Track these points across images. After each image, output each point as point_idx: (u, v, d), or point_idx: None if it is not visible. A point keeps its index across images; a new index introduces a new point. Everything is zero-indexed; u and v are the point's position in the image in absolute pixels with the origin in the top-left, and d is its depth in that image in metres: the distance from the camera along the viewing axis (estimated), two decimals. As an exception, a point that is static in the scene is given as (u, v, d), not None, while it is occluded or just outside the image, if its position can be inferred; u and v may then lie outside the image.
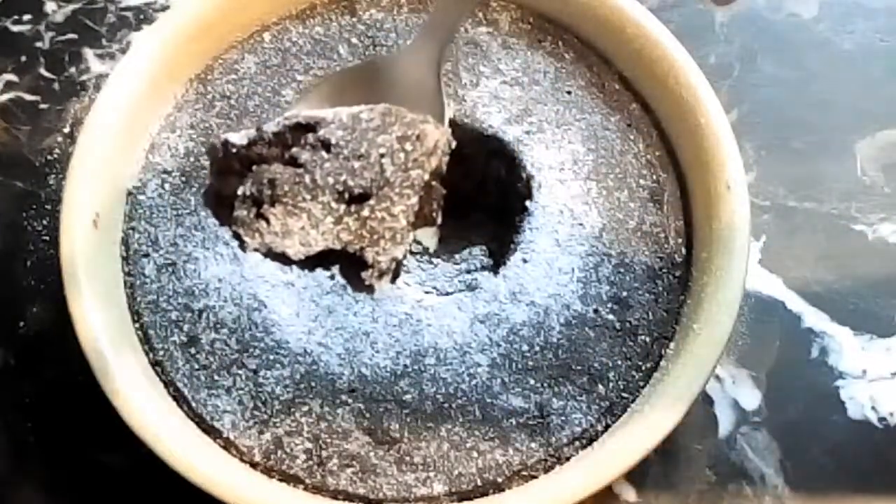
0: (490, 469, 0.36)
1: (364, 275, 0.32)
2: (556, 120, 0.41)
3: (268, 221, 0.31)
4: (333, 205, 0.31)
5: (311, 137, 0.32)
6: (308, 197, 0.31)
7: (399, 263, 0.33)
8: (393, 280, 0.33)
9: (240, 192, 0.32)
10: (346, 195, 0.31)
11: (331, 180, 0.31)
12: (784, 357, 0.43)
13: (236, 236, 0.32)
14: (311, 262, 0.32)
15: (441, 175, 0.33)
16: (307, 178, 0.31)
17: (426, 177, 0.32)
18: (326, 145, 0.32)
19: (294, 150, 0.32)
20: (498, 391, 0.37)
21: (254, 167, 0.32)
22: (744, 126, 0.47)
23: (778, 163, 0.48)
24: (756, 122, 0.48)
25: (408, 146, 0.32)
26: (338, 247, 0.31)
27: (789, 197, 0.47)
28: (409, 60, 0.36)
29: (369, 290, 0.32)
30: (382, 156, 0.32)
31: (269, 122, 0.33)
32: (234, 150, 0.32)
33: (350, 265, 0.32)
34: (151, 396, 0.36)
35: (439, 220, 0.34)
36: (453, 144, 0.34)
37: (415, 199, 0.32)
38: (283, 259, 0.32)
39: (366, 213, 0.31)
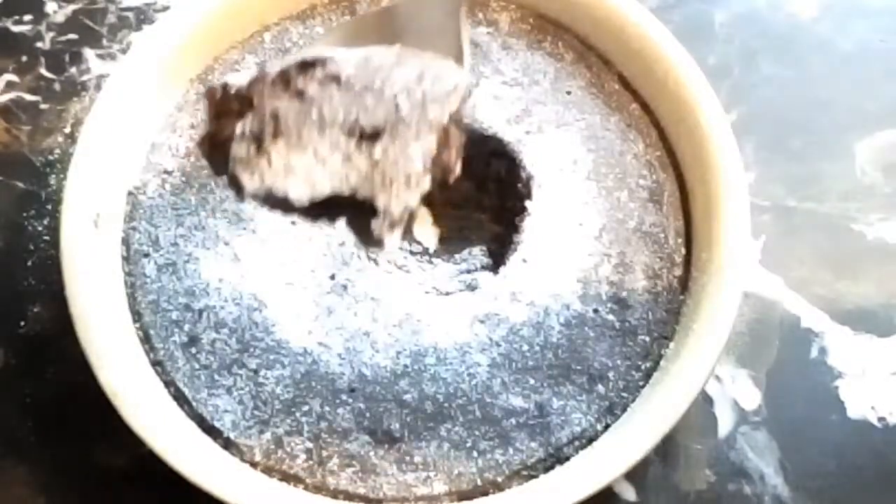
0: (490, 468, 0.36)
1: (374, 224, 0.29)
2: (555, 120, 0.41)
3: (269, 160, 0.29)
4: (342, 142, 0.29)
5: (319, 72, 0.29)
6: (314, 132, 0.28)
7: (412, 216, 0.30)
8: (404, 236, 0.30)
9: (238, 129, 0.29)
10: (357, 133, 0.29)
11: (340, 115, 0.29)
12: (783, 357, 0.43)
13: (233, 181, 0.29)
14: (316, 213, 0.30)
15: (461, 122, 0.31)
16: (314, 112, 0.29)
17: (444, 118, 0.29)
18: (336, 80, 0.29)
19: (300, 81, 0.29)
20: (498, 391, 0.37)
21: (255, 103, 0.29)
22: (743, 126, 0.47)
23: (777, 163, 0.48)
24: (755, 123, 0.48)
25: (425, 84, 0.29)
26: (346, 191, 0.29)
27: (789, 197, 0.47)
28: (426, 4, 0.33)
29: (378, 243, 0.29)
30: (397, 93, 0.29)
31: (271, 62, 0.30)
32: (232, 91, 0.30)
33: (358, 216, 0.29)
34: (152, 396, 0.36)
35: (458, 171, 0.31)
36: (472, 91, 0.31)
37: (432, 141, 0.29)
38: (284, 207, 0.29)
39: (378, 152, 0.29)
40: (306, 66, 0.29)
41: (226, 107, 0.30)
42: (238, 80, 0.30)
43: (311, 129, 0.29)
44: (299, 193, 0.29)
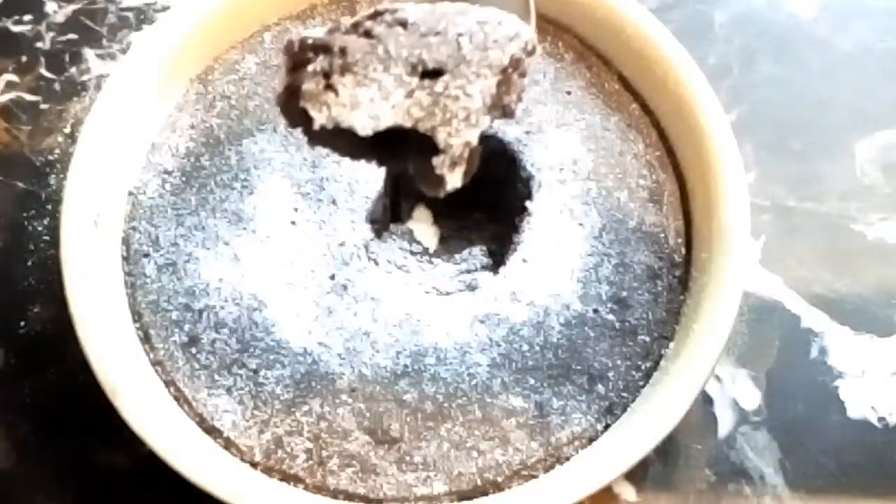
0: (490, 469, 0.36)
1: (435, 161, 0.30)
2: (555, 120, 0.41)
3: (336, 93, 0.30)
4: (406, 77, 0.30)
5: (387, 17, 0.31)
6: (380, 67, 0.30)
7: (472, 155, 0.31)
8: (465, 179, 0.31)
9: (309, 69, 0.31)
10: (420, 69, 0.30)
11: (404, 52, 0.30)
12: (784, 357, 0.43)
13: (303, 114, 0.31)
14: (382, 155, 0.32)
15: (523, 73, 0.32)
16: (380, 49, 0.30)
17: (505, 60, 0.31)
18: (403, 23, 0.31)
19: (368, 23, 0.31)
20: (498, 391, 0.37)
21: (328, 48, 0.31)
22: (743, 126, 0.47)
23: (777, 163, 0.48)
24: (755, 123, 0.48)
25: (487, 28, 0.31)
26: (408, 124, 0.30)
27: (789, 197, 0.47)
28: None
29: (440, 182, 0.31)
30: (460, 35, 0.31)
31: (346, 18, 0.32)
32: (309, 42, 0.31)
33: (422, 158, 0.31)
34: (152, 396, 0.36)
35: (517, 112, 0.33)
36: (539, 50, 0.33)
37: (492, 81, 0.31)
38: (348, 142, 0.31)
39: (439, 88, 0.30)
40: (377, 14, 0.32)
41: (302, 58, 0.32)
42: (314, 32, 0.32)
43: (376, 65, 0.30)
44: (363, 125, 0.30)
